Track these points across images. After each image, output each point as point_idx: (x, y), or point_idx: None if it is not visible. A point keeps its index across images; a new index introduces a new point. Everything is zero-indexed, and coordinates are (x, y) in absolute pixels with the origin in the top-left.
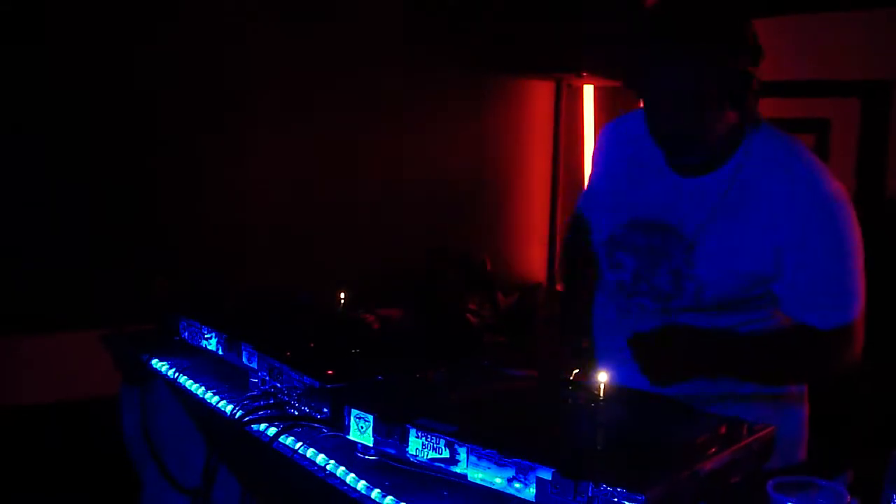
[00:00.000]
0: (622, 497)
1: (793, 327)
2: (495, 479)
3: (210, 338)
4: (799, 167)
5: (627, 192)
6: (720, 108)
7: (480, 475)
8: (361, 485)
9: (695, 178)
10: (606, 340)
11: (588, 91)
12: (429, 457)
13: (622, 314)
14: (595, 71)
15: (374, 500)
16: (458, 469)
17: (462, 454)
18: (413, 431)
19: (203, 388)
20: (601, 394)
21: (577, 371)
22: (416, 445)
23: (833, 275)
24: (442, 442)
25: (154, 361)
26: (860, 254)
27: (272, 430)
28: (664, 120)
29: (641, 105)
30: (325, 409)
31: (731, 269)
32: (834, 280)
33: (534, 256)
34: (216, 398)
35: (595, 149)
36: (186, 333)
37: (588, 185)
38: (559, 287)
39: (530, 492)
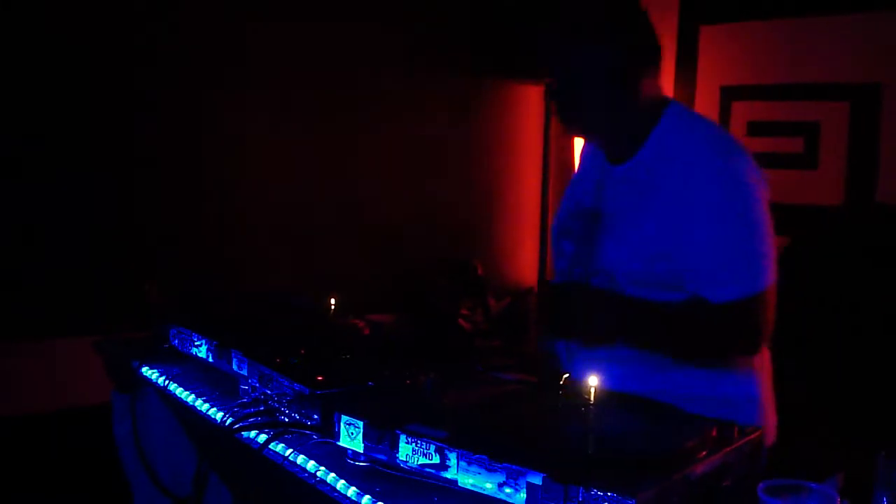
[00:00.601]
0: (613, 501)
1: (697, 299)
2: (486, 484)
3: (200, 345)
4: (707, 145)
5: (576, 184)
6: (606, 95)
7: (471, 480)
8: (352, 491)
9: (620, 164)
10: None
11: None
12: (419, 462)
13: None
14: None
15: None
16: (448, 474)
17: (452, 459)
18: (403, 437)
19: (193, 395)
20: (592, 398)
21: (566, 375)
22: (407, 451)
23: (736, 248)
24: (432, 447)
25: (144, 369)
26: (767, 229)
27: (262, 437)
28: (557, 108)
29: None
30: (316, 416)
31: (636, 248)
32: (737, 254)
33: (525, 261)
34: (206, 405)
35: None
36: (177, 341)
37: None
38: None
39: (521, 497)
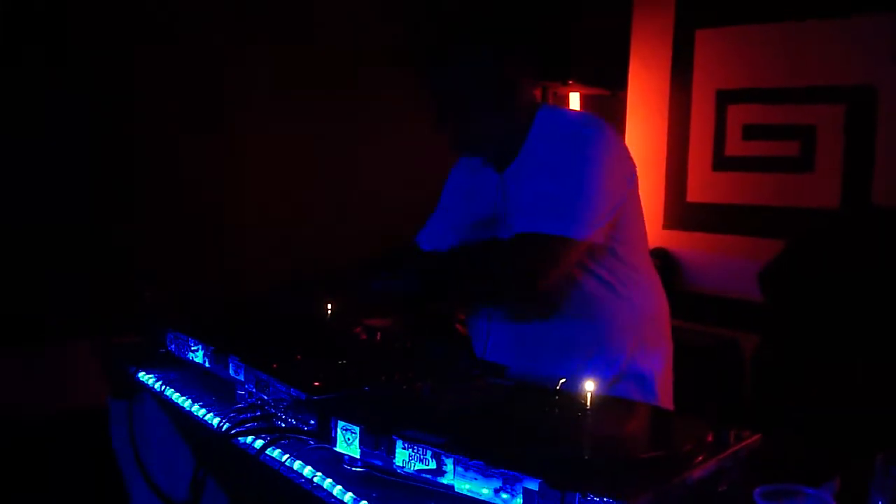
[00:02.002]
0: None
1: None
2: (482, 490)
3: (196, 350)
4: (565, 124)
5: (465, 201)
6: (483, 109)
7: (467, 486)
8: (348, 496)
9: (503, 171)
10: (473, 327)
11: (574, 99)
12: (416, 468)
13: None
14: (581, 79)
15: None
16: (444, 480)
17: (449, 465)
18: (400, 443)
19: (190, 400)
20: (588, 403)
21: (562, 380)
22: (403, 457)
23: (547, 195)
24: (429, 453)
25: (141, 374)
26: (594, 192)
27: (259, 443)
28: (444, 126)
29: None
30: (312, 421)
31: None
32: (546, 199)
33: None
34: (203, 411)
35: (445, 182)
36: (173, 346)
37: (430, 221)
38: None
39: (517, 502)
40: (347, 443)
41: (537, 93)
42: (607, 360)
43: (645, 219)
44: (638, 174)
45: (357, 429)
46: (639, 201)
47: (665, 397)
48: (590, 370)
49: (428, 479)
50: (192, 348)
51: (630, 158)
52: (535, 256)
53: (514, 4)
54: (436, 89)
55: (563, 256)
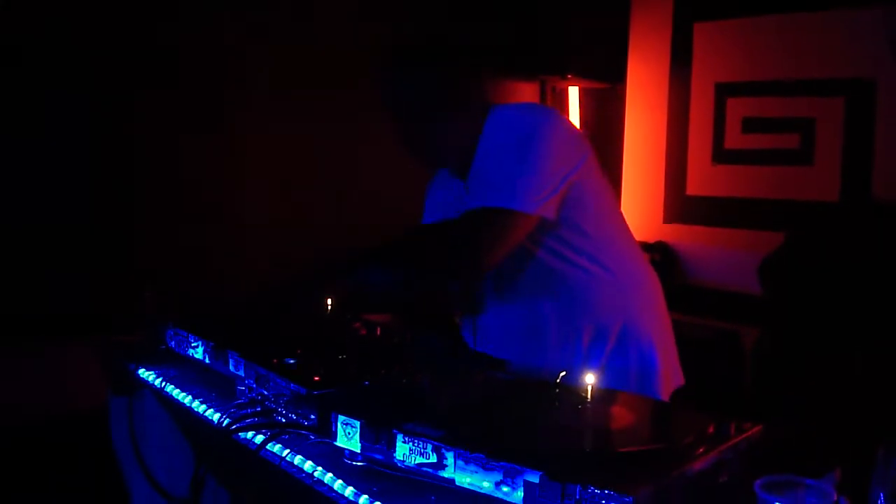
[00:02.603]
0: (610, 499)
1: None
2: (483, 483)
3: (196, 346)
4: (509, 117)
5: (437, 211)
6: (436, 120)
7: (468, 479)
8: (349, 491)
9: (467, 178)
10: (463, 322)
11: (573, 93)
12: (416, 462)
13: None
14: (580, 73)
15: None
16: (445, 474)
17: (449, 459)
18: (400, 437)
19: (190, 396)
20: (588, 396)
21: (563, 373)
22: (404, 451)
23: (490, 172)
24: (429, 447)
25: (141, 371)
26: (538, 167)
27: (259, 438)
28: (404, 142)
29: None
30: (312, 416)
31: None
32: (491, 175)
33: None
34: (203, 406)
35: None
36: (173, 342)
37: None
38: None
39: (518, 495)
40: (348, 437)
41: (536, 86)
42: (594, 338)
43: (644, 212)
44: (594, 156)
45: (357, 423)
46: (600, 177)
47: (669, 371)
48: (578, 350)
49: (428, 472)
50: (192, 344)
51: (580, 138)
52: (479, 228)
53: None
54: (391, 107)
55: (508, 228)
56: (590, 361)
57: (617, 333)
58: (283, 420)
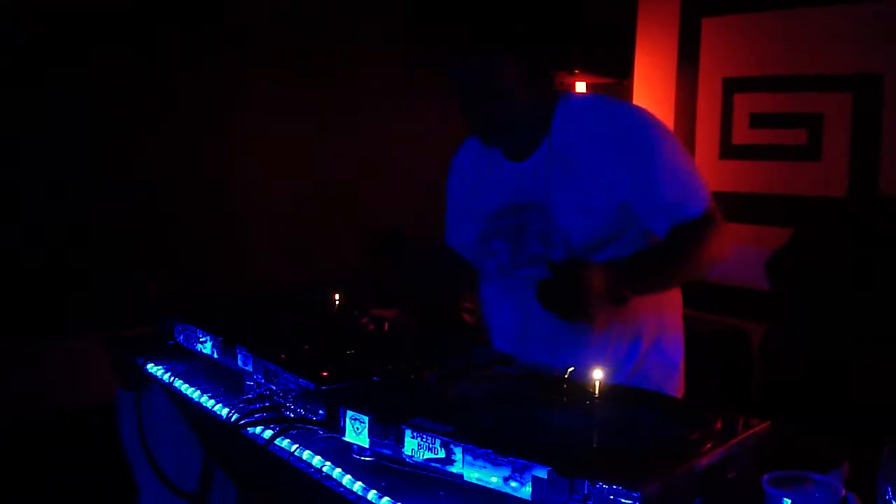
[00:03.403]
0: (618, 494)
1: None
2: (491, 478)
3: (205, 341)
4: (605, 108)
5: (482, 193)
6: (519, 95)
7: (476, 475)
8: (358, 486)
9: (525, 159)
10: (497, 319)
11: (580, 87)
12: (425, 457)
13: (507, 292)
14: (587, 68)
15: (370, 502)
16: (454, 469)
17: (458, 454)
18: (408, 432)
19: (198, 391)
20: (596, 391)
21: (570, 369)
22: (412, 446)
23: (672, 179)
24: (438, 442)
25: (149, 365)
26: (687, 157)
27: (268, 433)
28: (471, 110)
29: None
30: (321, 411)
31: (585, 207)
32: (674, 183)
33: None
34: (212, 401)
35: (448, 176)
36: (181, 337)
37: (448, 219)
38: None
39: (526, 491)
40: (356, 432)
41: None
42: (627, 346)
43: None
44: None
45: (366, 418)
46: None
47: (682, 383)
48: (611, 357)
49: (437, 467)
50: (201, 339)
51: None
52: (711, 234)
53: None
54: (466, 74)
55: (720, 221)
56: (626, 362)
57: (647, 346)
58: (292, 415)
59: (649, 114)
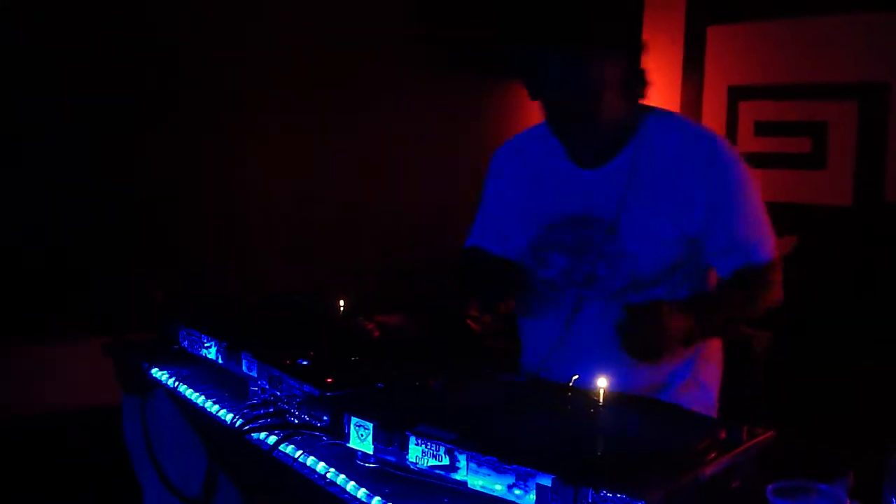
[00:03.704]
0: (622, 503)
1: (733, 275)
2: (495, 485)
3: (210, 346)
4: (692, 135)
5: (536, 198)
6: (614, 98)
7: (480, 482)
8: (362, 492)
9: (598, 168)
10: (532, 331)
11: None
12: (429, 464)
13: (549, 305)
14: None
15: None
16: (458, 476)
17: (462, 461)
18: (413, 439)
19: (203, 396)
20: (601, 400)
21: (575, 377)
22: (416, 453)
23: (749, 221)
24: (442, 449)
25: (154, 370)
26: (761, 201)
27: (272, 439)
28: (563, 110)
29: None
30: (325, 417)
31: (658, 237)
32: (751, 225)
33: None
34: (216, 407)
35: (489, 174)
36: (186, 342)
37: (480, 217)
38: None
39: (530, 498)
40: (361, 439)
41: None
42: (675, 368)
43: None
44: None
45: (370, 425)
46: None
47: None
48: (658, 379)
49: (441, 475)
50: (206, 345)
51: None
52: (777, 283)
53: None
54: (566, 72)
55: (780, 271)
56: (663, 391)
57: (692, 370)
58: (296, 421)
59: (735, 149)
